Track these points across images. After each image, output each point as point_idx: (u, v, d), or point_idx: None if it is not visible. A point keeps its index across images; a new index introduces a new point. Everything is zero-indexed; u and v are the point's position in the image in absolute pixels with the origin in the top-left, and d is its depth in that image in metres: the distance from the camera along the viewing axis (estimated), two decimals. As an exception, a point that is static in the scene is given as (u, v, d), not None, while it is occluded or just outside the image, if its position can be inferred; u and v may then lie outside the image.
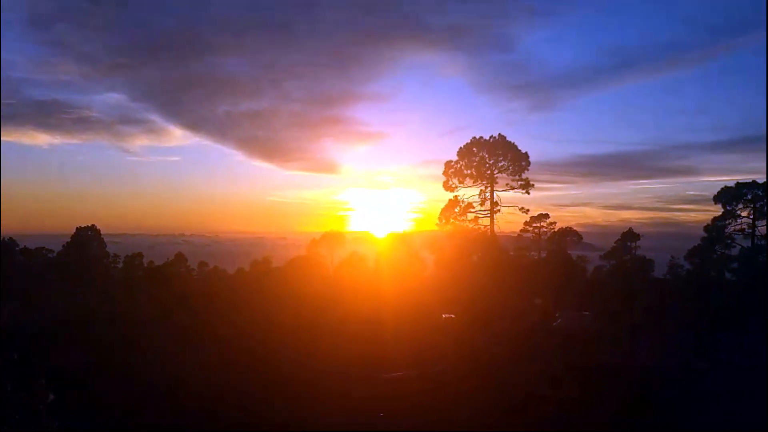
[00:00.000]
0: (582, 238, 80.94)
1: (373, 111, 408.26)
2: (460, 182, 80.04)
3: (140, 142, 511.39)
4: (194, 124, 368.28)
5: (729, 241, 71.65)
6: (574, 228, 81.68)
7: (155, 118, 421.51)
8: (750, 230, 70.59)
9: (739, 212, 70.98)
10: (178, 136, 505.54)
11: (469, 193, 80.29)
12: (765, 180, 69.59)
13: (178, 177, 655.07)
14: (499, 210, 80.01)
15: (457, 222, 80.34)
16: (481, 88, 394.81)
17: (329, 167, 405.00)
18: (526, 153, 78.76)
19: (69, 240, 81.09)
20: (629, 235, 77.06)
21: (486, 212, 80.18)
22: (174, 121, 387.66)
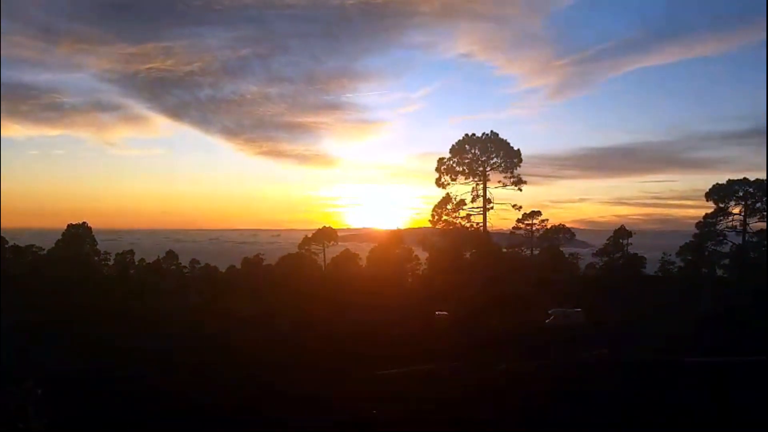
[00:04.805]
0: (575, 236, 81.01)
1: (373, 95, 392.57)
2: (452, 179, 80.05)
3: (120, 132, 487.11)
4: (175, 109, 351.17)
5: (720, 238, 71.89)
6: (568, 225, 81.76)
7: (131, 102, 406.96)
8: (742, 228, 70.88)
9: (730, 209, 71.22)
10: (158, 124, 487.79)
11: (462, 190, 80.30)
12: (765, 177, 69.54)
13: (163, 171, 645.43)
14: (492, 207, 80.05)
15: (450, 219, 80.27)
16: (499, 64, 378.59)
17: (323, 160, 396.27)
18: (518, 150, 79.00)
19: (60, 237, 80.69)
20: (622, 233, 77.41)
21: (478, 209, 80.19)
22: (153, 106, 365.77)
